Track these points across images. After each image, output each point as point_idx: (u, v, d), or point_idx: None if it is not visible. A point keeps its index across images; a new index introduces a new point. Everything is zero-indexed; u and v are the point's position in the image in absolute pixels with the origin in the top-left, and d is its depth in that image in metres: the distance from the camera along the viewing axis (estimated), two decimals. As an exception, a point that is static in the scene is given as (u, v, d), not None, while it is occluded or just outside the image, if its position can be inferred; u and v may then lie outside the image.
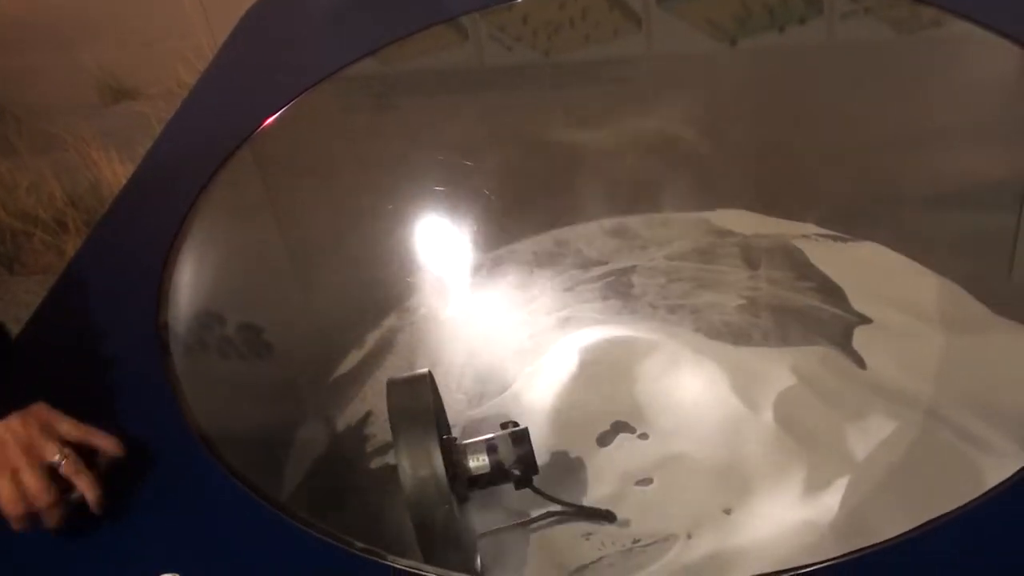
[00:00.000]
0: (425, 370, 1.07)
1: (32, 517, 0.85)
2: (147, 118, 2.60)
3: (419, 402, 1.02)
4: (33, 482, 0.84)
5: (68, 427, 0.88)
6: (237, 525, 0.88)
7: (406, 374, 1.08)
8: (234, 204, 1.36)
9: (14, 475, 0.84)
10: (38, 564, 0.87)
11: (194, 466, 0.93)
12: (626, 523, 1.11)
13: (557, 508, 1.12)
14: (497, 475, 1.03)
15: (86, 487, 0.86)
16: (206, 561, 0.85)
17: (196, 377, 1.09)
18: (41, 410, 0.88)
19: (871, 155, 1.43)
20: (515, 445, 1.04)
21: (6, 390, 0.89)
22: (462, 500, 1.04)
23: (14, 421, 0.86)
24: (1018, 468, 0.71)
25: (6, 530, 0.88)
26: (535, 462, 1.04)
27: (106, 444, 0.89)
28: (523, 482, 1.05)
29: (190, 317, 1.20)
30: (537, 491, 1.07)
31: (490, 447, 1.03)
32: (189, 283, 1.21)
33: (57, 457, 0.86)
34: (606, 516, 1.12)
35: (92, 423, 0.90)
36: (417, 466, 0.97)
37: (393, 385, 1.05)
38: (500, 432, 1.06)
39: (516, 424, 1.07)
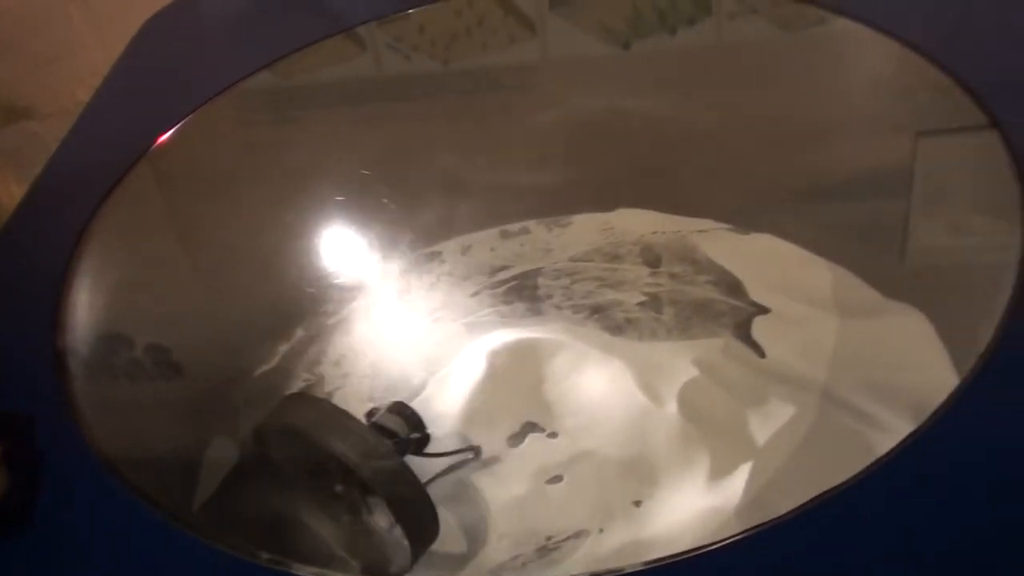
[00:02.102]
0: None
1: None
2: (43, 138, 2.53)
3: (318, 403, 1.03)
4: None
5: None
6: (143, 544, 0.87)
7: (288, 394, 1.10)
8: (133, 221, 1.34)
9: None
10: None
11: (99, 490, 0.91)
12: (539, 522, 1.12)
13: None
14: (404, 449, 1.05)
15: None
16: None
17: (101, 401, 1.06)
18: None
19: (763, 150, 1.47)
20: (400, 415, 1.06)
21: None
22: None
23: None
24: (900, 440, 0.74)
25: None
26: (423, 422, 1.08)
27: None
28: (424, 442, 1.08)
29: (93, 340, 1.17)
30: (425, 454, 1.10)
31: (382, 428, 1.04)
32: (90, 304, 1.19)
33: None
34: (473, 451, 1.16)
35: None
36: (355, 445, 0.98)
37: (285, 403, 1.07)
38: (378, 414, 1.07)
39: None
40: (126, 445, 1.01)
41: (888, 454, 0.74)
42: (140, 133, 1.40)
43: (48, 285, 1.16)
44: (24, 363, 1.07)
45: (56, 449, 0.95)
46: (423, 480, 1.12)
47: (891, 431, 1.07)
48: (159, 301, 1.36)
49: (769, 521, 0.72)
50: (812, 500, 0.73)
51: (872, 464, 0.73)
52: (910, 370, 1.15)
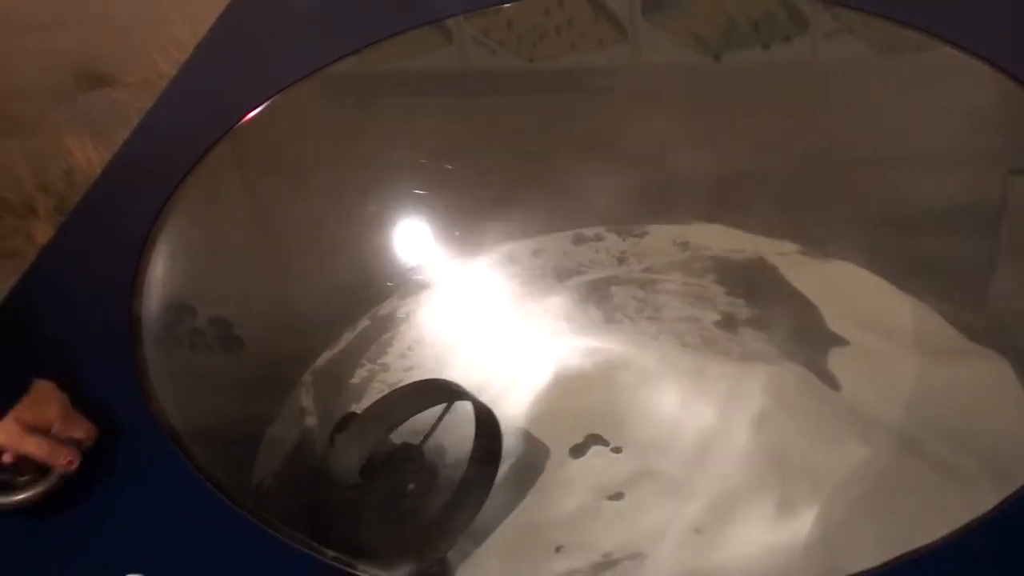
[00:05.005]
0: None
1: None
2: (124, 106, 2.56)
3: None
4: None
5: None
6: (204, 525, 0.86)
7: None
8: (211, 198, 1.35)
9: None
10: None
11: (161, 462, 0.92)
12: (596, 537, 1.11)
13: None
14: None
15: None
16: (170, 561, 0.83)
17: (167, 370, 1.07)
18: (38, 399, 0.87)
19: (850, 175, 1.44)
20: None
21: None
22: None
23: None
24: (992, 506, 0.71)
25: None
26: None
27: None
28: None
29: (164, 309, 1.18)
30: None
31: None
32: (163, 275, 1.19)
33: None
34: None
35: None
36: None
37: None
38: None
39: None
40: (190, 416, 1.01)
41: (981, 518, 0.71)
42: (224, 110, 1.40)
43: (126, 253, 1.17)
44: (103, 326, 1.08)
45: (123, 415, 0.96)
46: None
47: (970, 483, 1.04)
48: (227, 276, 1.37)
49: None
50: (892, 560, 0.70)
51: (960, 528, 0.71)
52: (991, 418, 1.12)
